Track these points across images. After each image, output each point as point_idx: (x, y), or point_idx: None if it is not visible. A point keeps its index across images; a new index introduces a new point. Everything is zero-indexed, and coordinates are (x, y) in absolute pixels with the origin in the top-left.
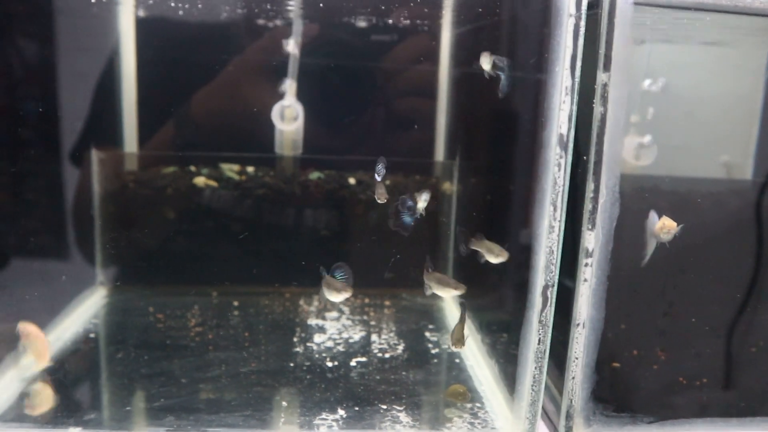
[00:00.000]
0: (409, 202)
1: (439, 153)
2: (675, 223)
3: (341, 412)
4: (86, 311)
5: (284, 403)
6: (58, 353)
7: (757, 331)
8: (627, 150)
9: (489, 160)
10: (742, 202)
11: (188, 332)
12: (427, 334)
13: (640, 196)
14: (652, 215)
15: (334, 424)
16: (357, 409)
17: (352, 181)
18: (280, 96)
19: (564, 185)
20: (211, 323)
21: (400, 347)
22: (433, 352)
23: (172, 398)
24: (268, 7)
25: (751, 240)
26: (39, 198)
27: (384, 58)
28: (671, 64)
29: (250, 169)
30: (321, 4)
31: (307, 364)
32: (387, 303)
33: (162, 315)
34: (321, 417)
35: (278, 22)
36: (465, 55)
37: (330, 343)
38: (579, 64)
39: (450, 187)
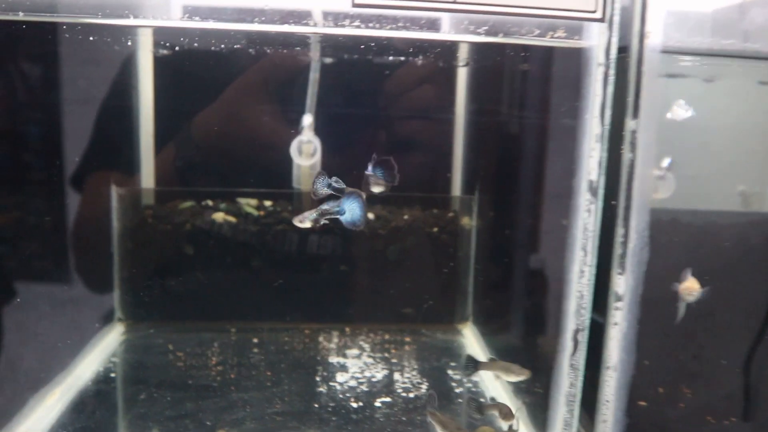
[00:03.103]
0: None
1: (457, 187)
2: (698, 285)
3: None
4: (105, 349)
5: None
6: (79, 394)
7: None
8: None
9: (512, 196)
10: (763, 235)
11: (209, 371)
12: (450, 372)
13: (658, 230)
14: (684, 274)
15: None
16: None
17: (371, 216)
18: (298, 131)
19: (594, 230)
20: (232, 361)
21: (424, 386)
22: (457, 391)
23: None
24: (286, 43)
25: None
26: (54, 231)
27: (402, 94)
28: (686, 95)
29: (268, 203)
30: (339, 40)
31: (332, 404)
32: (407, 339)
33: (182, 353)
34: None
35: (298, 58)
36: (486, 93)
37: (353, 383)
38: (608, 112)
39: (469, 222)
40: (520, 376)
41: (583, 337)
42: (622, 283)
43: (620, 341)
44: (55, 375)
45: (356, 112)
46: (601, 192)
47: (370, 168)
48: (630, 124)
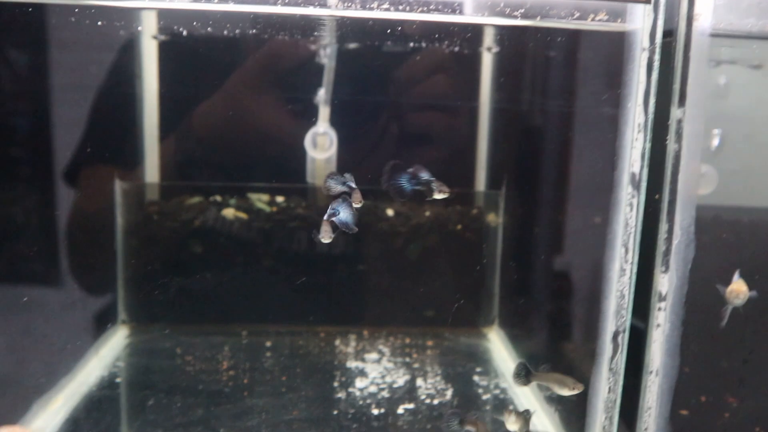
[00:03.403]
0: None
1: (482, 182)
2: (746, 288)
3: None
4: (109, 353)
5: None
6: (83, 401)
7: None
8: None
9: (542, 191)
10: None
11: (220, 376)
12: (476, 378)
13: (701, 228)
14: (733, 275)
15: None
16: None
17: (390, 212)
18: (313, 122)
19: (636, 226)
20: (244, 366)
21: (449, 393)
22: (484, 398)
23: None
24: (299, 29)
25: None
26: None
27: (418, 83)
28: (730, 84)
29: (280, 199)
30: (355, 27)
31: (352, 411)
32: (429, 343)
33: (191, 357)
34: None
35: (311, 46)
36: (514, 81)
37: (373, 388)
38: (653, 100)
39: (495, 219)
40: (574, 390)
41: (624, 340)
42: (665, 282)
43: (663, 344)
44: (57, 380)
45: (371, 102)
46: (643, 185)
47: (425, 175)
48: (676, 112)
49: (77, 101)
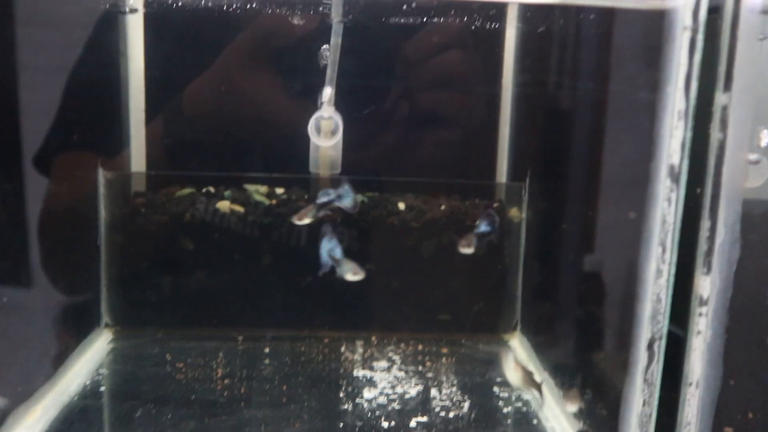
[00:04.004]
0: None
1: (503, 173)
2: None
3: None
4: (91, 359)
5: None
6: (64, 411)
7: None
8: None
9: (570, 183)
10: None
11: (215, 385)
12: (496, 389)
13: (749, 225)
14: None
15: None
16: None
17: (401, 206)
18: (317, 107)
19: (675, 223)
20: (241, 374)
21: (466, 405)
22: (504, 411)
23: None
24: (300, 2)
25: None
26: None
27: (436, 60)
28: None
29: (280, 190)
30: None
31: (359, 424)
32: (444, 350)
33: (182, 364)
34: None
35: (314, 24)
36: (540, 62)
37: (382, 399)
38: (695, 84)
39: (518, 214)
40: None
41: (660, 348)
42: (707, 285)
43: (704, 353)
44: (35, 389)
45: (377, 83)
46: (683, 178)
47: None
48: (721, 98)
49: (49, 81)
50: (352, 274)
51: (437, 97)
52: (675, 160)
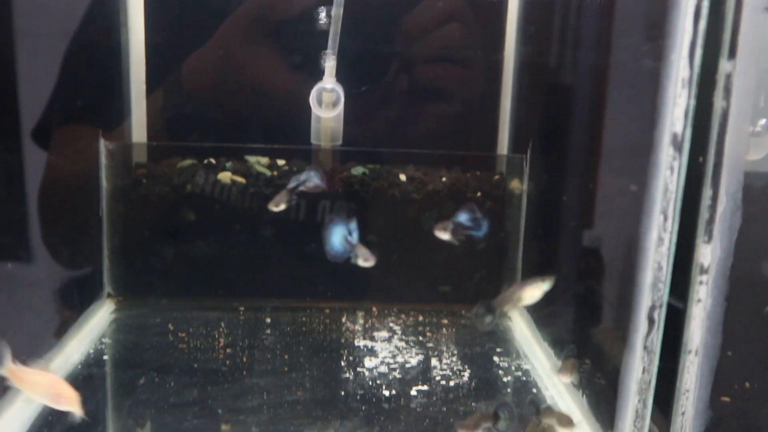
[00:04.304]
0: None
1: (504, 145)
2: None
3: None
4: (94, 329)
5: None
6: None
7: None
8: None
9: (571, 155)
10: None
11: (217, 354)
12: (496, 359)
13: (750, 197)
14: None
15: None
16: None
17: (402, 177)
18: (318, 77)
19: (677, 192)
20: (243, 344)
21: (466, 374)
22: (505, 380)
23: None
24: None
25: None
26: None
27: (437, 33)
28: None
29: (281, 162)
30: None
31: (360, 392)
32: (444, 321)
33: (184, 334)
34: None
35: None
36: (542, 32)
37: (383, 368)
38: (699, 52)
39: (519, 186)
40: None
41: (660, 316)
42: (707, 254)
43: (704, 321)
44: (38, 358)
45: (381, 54)
46: (686, 147)
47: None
48: (725, 66)
49: (49, 50)
50: (363, 260)
51: (439, 69)
52: (678, 128)
